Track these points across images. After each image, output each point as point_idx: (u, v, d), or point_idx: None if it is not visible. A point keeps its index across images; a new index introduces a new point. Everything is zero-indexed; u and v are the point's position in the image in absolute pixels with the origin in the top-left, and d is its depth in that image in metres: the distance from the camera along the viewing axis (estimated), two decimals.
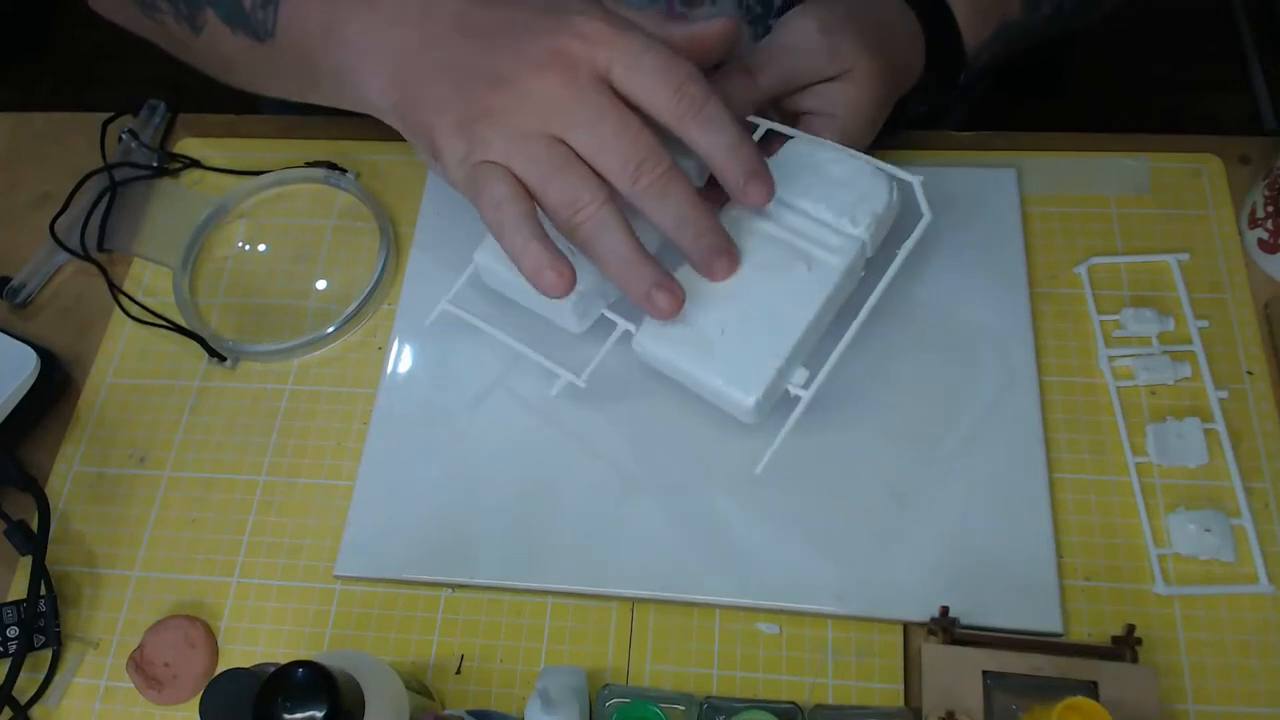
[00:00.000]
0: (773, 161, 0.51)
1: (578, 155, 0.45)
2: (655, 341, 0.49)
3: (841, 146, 0.52)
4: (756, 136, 0.53)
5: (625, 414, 0.54)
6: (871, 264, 0.51)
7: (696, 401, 0.52)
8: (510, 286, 0.53)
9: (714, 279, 0.49)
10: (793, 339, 0.48)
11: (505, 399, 0.56)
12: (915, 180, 0.50)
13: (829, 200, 0.50)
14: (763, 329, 0.48)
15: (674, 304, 0.46)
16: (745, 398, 0.47)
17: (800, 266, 0.49)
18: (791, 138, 0.53)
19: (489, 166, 0.46)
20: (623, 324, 0.51)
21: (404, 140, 0.66)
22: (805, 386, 0.48)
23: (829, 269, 0.49)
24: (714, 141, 0.46)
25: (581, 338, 0.52)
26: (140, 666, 0.50)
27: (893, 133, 0.58)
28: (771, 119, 0.53)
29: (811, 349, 0.50)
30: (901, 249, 0.49)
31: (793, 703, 0.47)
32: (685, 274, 0.49)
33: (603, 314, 0.51)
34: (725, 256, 0.48)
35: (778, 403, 0.49)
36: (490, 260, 0.52)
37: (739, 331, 0.48)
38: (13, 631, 0.51)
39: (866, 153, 0.51)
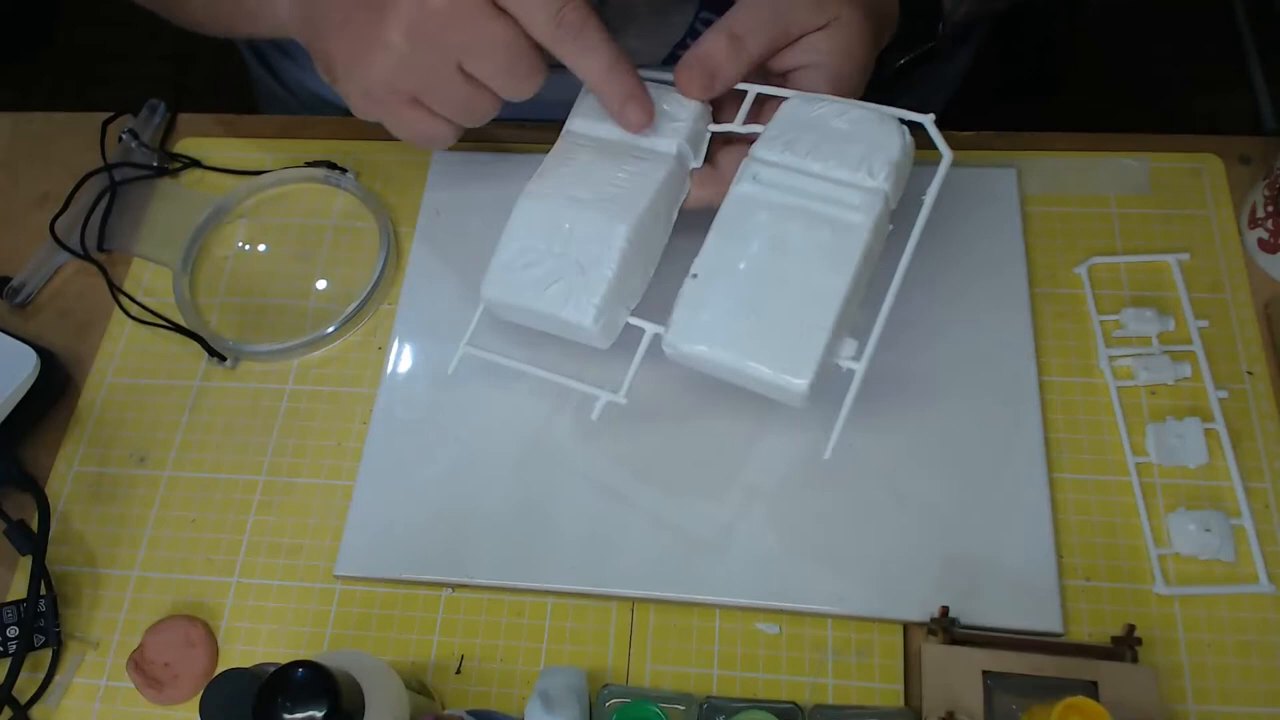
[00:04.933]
0: (773, 127, 0.49)
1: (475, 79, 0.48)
2: (687, 340, 0.46)
3: (839, 98, 0.49)
4: (747, 103, 0.51)
5: (623, 415, 0.54)
6: (894, 216, 0.48)
7: (691, 400, 0.51)
8: (524, 315, 0.51)
9: (631, 129, 0.50)
10: (833, 310, 0.45)
11: (505, 399, 0.56)
12: (927, 119, 0.47)
13: (840, 156, 0.47)
14: (799, 306, 0.45)
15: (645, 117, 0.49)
16: (797, 381, 0.44)
17: (825, 233, 0.46)
18: (784, 100, 0.50)
19: (404, 109, 0.49)
20: (651, 329, 0.49)
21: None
22: (856, 357, 0.46)
23: (856, 229, 0.46)
24: (590, 66, 0.48)
25: (598, 351, 0.51)
26: (140, 666, 0.50)
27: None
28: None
29: (854, 317, 0.47)
30: (928, 193, 0.47)
31: (793, 703, 0.47)
32: (707, 261, 0.47)
33: (628, 323, 0.50)
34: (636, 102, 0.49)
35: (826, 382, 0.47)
36: (499, 293, 0.50)
37: (775, 314, 0.45)
38: (13, 631, 0.51)
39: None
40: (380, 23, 0.47)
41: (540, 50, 0.48)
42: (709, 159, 0.52)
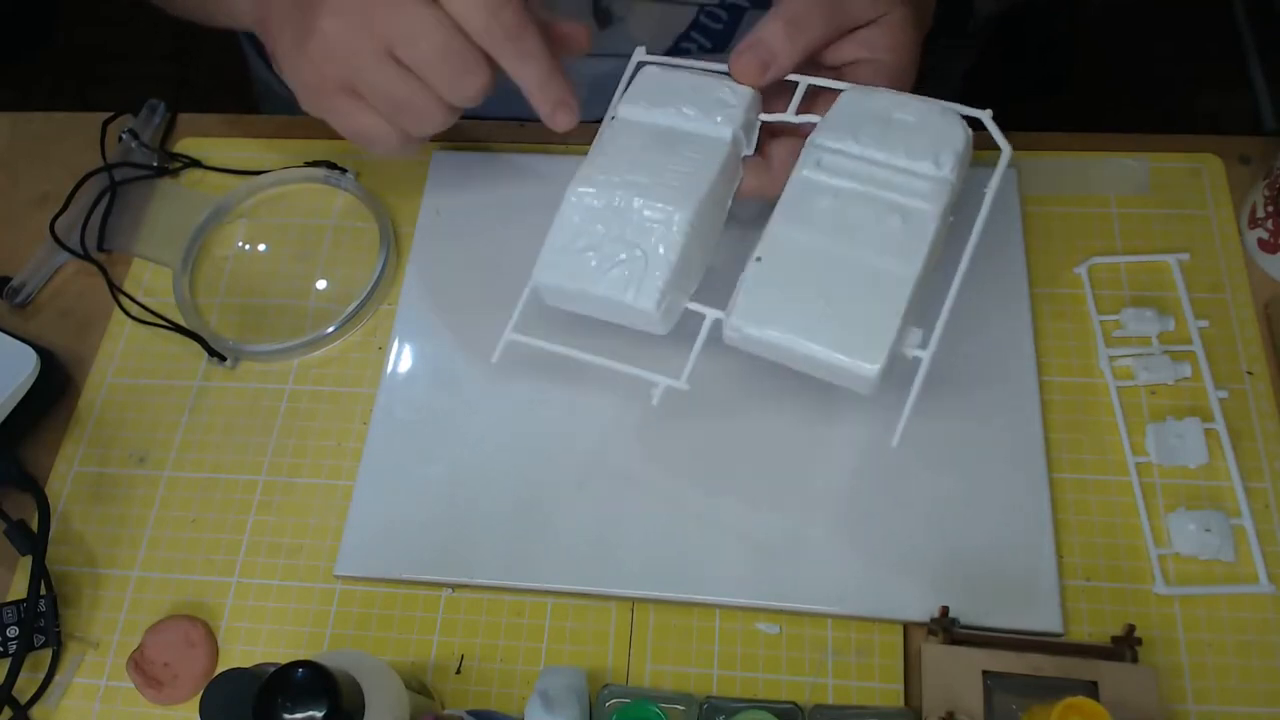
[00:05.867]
0: (833, 116, 0.49)
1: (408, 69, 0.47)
2: (752, 324, 0.46)
3: (897, 92, 0.49)
4: (799, 94, 0.51)
5: (624, 414, 0.54)
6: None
7: (694, 400, 0.51)
8: (578, 300, 0.50)
9: (558, 129, 0.50)
10: (904, 297, 0.45)
11: (506, 398, 0.56)
12: (985, 115, 0.48)
13: (906, 146, 0.47)
14: (870, 292, 0.45)
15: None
16: (868, 367, 0.44)
17: (894, 220, 0.46)
18: (835, 92, 0.50)
19: (339, 99, 0.49)
20: (711, 313, 0.48)
21: None
22: (922, 346, 0.46)
23: (925, 217, 0.46)
24: (529, 74, 0.48)
25: (627, 338, 0.50)
26: (140, 666, 0.50)
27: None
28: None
29: (919, 306, 0.47)
30: (989, 187, 0.47)
31: (793, 703, 0.47)
32: (772, 245, 0.47)
33: (686, 308, 0.49)
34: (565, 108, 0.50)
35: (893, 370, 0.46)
36: (553, 278, 0.49)
37: (845, 299, 0.45)
38: (13, 631, 0.51)
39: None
40: (315, 10, 0.47)
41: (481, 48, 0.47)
42: (758, 150, 0.52)
